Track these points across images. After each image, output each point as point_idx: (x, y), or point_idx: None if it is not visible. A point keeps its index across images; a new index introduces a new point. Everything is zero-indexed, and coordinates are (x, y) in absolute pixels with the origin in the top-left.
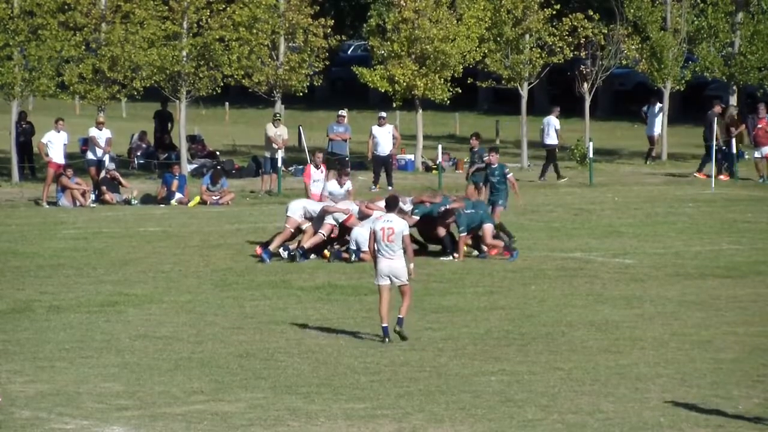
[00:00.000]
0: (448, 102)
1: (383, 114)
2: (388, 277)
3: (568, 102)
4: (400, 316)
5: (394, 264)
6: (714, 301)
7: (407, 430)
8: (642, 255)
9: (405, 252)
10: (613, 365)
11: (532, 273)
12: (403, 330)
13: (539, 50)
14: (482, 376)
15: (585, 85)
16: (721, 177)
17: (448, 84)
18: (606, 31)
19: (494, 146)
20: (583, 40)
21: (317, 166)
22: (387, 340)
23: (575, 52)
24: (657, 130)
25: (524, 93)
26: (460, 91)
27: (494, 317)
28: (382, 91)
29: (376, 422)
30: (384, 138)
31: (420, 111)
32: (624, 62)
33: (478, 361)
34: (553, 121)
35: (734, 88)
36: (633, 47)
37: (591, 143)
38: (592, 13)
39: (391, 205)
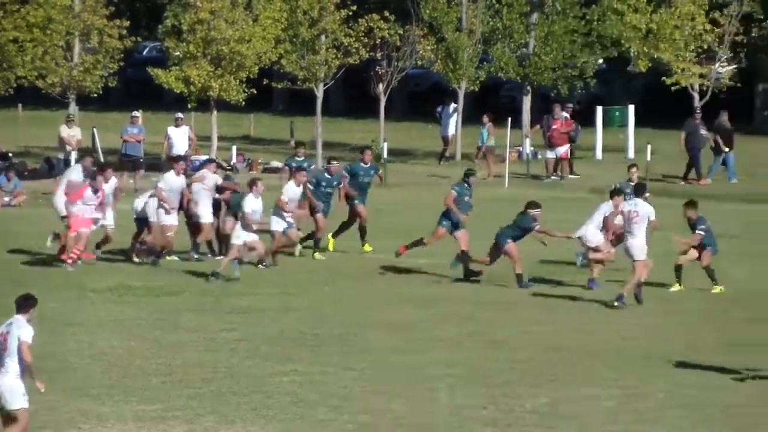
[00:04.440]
0: (243, 103)
1: (180, 115)
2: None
3: (364, 103)
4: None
5: (631, 242)
6: (511, 302)
7: None
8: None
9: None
10: (406, 365)
11: (329, 273)
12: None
13: (335, 51)
14: (275, 376)
15: (380, 85)
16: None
17: (244, 85)
18: (402, 32)
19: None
20: (378, 41)
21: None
22: None
23: (371, 53)
24: (451, 130)
25: (320, 94)
26: (256, 91)
27: (288, 318)
28: (178, 92)
29: (167, 423)
30: (179, 139)
31: (215, 112)
32: (419, 63)
33: (270, 362)
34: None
35: (528, 88)
36: (428, 48)
37: (385, 144)
38: (388, 14)
39: (640, 190)
